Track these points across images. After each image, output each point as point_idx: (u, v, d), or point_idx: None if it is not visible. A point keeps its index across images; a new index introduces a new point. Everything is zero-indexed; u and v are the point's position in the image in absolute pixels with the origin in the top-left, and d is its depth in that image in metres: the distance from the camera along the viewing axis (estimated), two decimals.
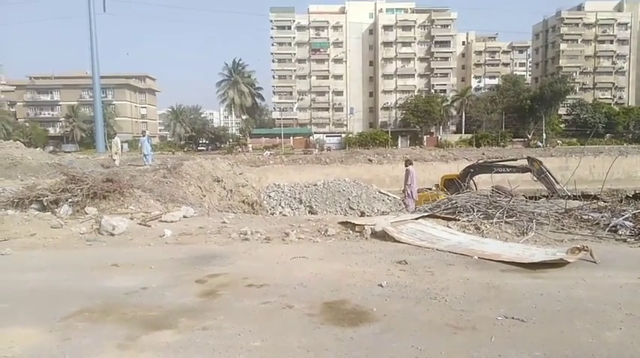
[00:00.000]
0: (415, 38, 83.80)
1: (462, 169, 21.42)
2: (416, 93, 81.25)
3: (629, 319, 3.88)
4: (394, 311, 4.13)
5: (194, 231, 7.83)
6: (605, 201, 10.65)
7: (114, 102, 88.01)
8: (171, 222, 8.49)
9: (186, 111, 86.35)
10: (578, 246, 5.95)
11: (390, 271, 5.41)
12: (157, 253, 6.48)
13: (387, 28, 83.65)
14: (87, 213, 8.79)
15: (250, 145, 70.31)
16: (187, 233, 7.73)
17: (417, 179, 15.90)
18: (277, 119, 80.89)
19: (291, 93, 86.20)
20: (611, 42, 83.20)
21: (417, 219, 8.26)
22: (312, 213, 15.74)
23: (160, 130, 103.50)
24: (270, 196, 19.68)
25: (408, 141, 74.72)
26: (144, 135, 24.40)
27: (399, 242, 6.89)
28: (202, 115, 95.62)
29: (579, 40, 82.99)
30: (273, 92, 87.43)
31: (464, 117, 76.16)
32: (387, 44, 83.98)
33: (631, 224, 7.62)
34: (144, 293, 4.77)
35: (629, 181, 37.04)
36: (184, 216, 8.98)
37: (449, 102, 76.80)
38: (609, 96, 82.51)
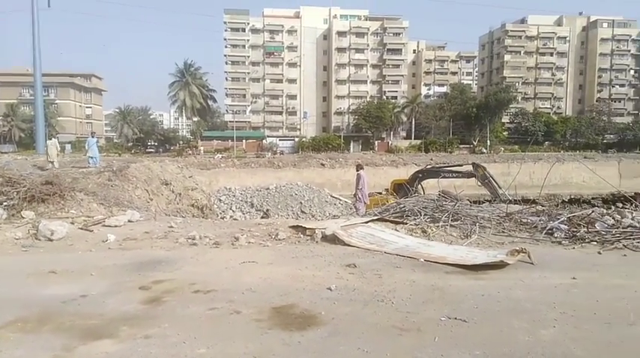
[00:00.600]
0: (368, 45, 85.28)
1: (411, 174, 21.99)
2: (368, 99, 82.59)
3: (562, 317, 4.09)
4: (342, 315, 4.16)
5: (139, 236, 7.58)
6: (542, 206, 11.24)
7: (57, 102, 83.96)
8: (116, 226, 8.18)
9: (134, 111, 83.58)
10: (517, 248, 6.23)
11: (340, 274, 5.46)
12: (99, 259, 6.22)
13: (340, 34, 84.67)
14: (23, 218, 8.33)
15: (201, 148, 68.93)
16: (132, 238, 7.47)
17: (368, 183, 16.15)
18: (230, 122, 79.83)
19: (244, 95, 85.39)
20: (551, 54, 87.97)
21: (366, 222, 8.38)
22: (264, 217, 15.63)
23: (107, 131, 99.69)
24: (220, 200, 19.38)
25: (360, 146, 75.76)
26: (92, 136, 23.41)
27: (349, 245, 6.96)
28: (151, 116, 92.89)
29: (522, 52, 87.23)
30: (226, 94, 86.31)
31: (414, 123, 78.17)
32: (340, 50, 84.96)
33: (566, 227, 8.06)
34: (83, 301, 4.56)
35: (565, 186, 39.27)
36: (129, 221, 8.68)
37: (400, 109, 78.58)
38: (549, 106, 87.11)
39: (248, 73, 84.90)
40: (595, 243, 7.32)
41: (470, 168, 20.40)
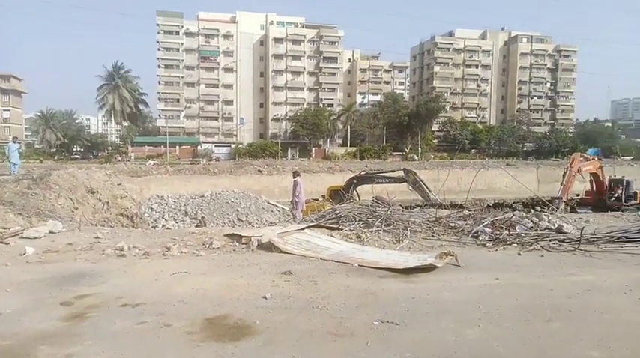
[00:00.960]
0: (305, 52, 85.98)
1: (346, 180, 22.38)
2: (305, 106, 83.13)
3: (486, 317, 4.32)
4: (277, 323, 4.14)
5: (62, 248, 7.13)
6: (469, 210, 11.82)
7: None
8: (35, 238, 7.65)
9: (58, 115, 78.55)
10: (446, 251, 6.51)
11: (275, 282, 5.43)
12: (16, 274, 5.77)
13: (277, 40, 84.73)
14: None
15: (132, 154, 66.11)
16: (53, 250, 7.01)
17: (305, 190, 16.22)
18: (162, 127, 77.18)
19: (178, 100, 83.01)
20: (477, 67, 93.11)
21: (302, 229, 8.41)
22: (199, 226, 15.21)
23: (27, 136, 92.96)
24: (152, 208, 18.63)
25: (298, 153, 76.02)
26: (14, 142, 21.79)
27: (284, 252, 6.95)
28: (77, 121, 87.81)
29: (450, 64, 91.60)
30: (159, 99, 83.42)
31: (349, 130, 79.64)
32: (277, 56, 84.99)
33: (489, 230, 8.55)
34: None
35: (490, 192, 41.52)
36: (51, 232, 8.14)
37: (336, 116, 79.79)
38: (474, 116, 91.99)
39: (182, 77, 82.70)
40: (516, 244, 7.81)
41: (401, 173, 21.08)
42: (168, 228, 14.83)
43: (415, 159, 64.49)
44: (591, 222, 10.34)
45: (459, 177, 38.23)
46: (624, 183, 25.62)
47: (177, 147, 72.58)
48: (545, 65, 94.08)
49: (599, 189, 25.81)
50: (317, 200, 21.05)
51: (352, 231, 8.52)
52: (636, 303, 4.86)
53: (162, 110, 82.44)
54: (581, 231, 8.05)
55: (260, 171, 45.70)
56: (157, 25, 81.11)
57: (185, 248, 7.20)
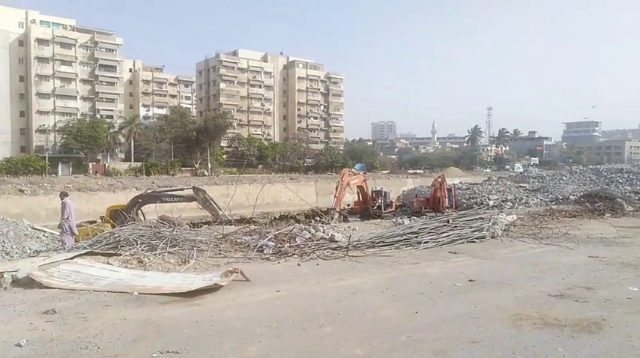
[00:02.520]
0: (77, 58, 77.16)
1: (130, 199, 20.74)
2: (79, 117, 74.53)
3: (267, 331, 4.49)
4: None
5: None
6: (258, 224, 12.25)
7: None
8: None
9: None
10: (231, 268, 6.58)
11: (34, 325, 4.65)
12: None
13: (41, 42, 74.00)
14: None
15: None
16: None
17: (76, 211, 14.44)
18: None
19: None
20: (260, 87, 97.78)
21: (72, 258, 7.46)
22: None
23: None
24: None
25: (71, 169, 67.40)
26: None
27: (49, 287, 6.03)
28: None
29: (235, 82, 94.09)
30: None
31: (133, 145, 74.47)
32: (42, 60, 74.16)
33: (273, 244, 8.99)
34: None
35: (276, 205, 43.81)
36: None
37: (116, 129, 73.69)
38: (260, 133, 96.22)
39: None
40: (296, 255, 8.38)
41: (191, 191, 20.60)
42: None
43: (205, 175, 63.93)
44: (357, 229, 11.81)
45: (247, 191, 39.34)
46: (383, 194, 30.05)
47: None
48: (319, 89, 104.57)
49: (364, 199, 29.64)
50: (94, 222, 18.94)
51: (133, 255, 7.92)
52: (391, 300, 5.70)
53: None
54: (349, 239, 9.10)
55: (22, 190, 38.87)
56: None
57: None
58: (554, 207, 18.79)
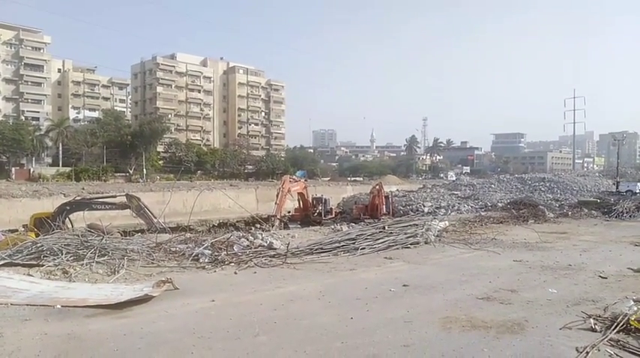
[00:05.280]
0: None
1: (57, 206, 19.52)
2: (1, 119, 69.44)
3: (199, 342, 4.37)
4: None
5: None
6: (197, 231, 11.93)
7: None
8: None
9: None
10: (163, 278, 6.36)
11: None
12: None
13: None
14: None
15: None
16: None
17: None
18: None
19: None
20: (199, 91, 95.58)
21: None
22: None
23: None
24: None
25: None
26: None
27: None
28: None
29: (173, 86, 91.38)
30: None
31: (61, 148, 70.27)
32: None
33: (209, 252, 8.78)
34: None
35: (215, 212, 42.85)
36: None
37: (43, 132, 69.25)
38: (199, 138, 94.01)
39: None
40: (233, 264, 8.24)
41: (124, 199, 19.73)
42: None
43: (140, 181, 61.46)
44: (297, 236, 11.82)
45: (185, 198, 38.19)
46: (323, 201, 30.29)
47: None
48: (260, 96, 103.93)
49: (305, 206, 29.69)
50: (16, 231, 17.65)
51: (57, 266, 7.47)
52: (327, 307, 5.74)
53: None
54: (288, 246, 9.08)
55: None
56: None
57: None
58: (483, 213, 19.77)
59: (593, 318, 5.07)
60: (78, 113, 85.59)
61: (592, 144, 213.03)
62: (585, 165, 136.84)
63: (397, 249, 10.14)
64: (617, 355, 4.13)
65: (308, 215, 28.94)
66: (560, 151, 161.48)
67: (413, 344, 4.40)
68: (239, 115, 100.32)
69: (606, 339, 4.44)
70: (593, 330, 4.79)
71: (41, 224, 17.61)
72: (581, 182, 32.36)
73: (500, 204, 25.06)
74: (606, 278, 7.56)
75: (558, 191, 29.59)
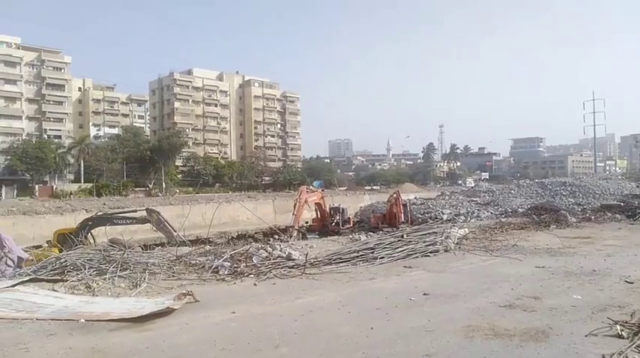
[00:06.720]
0: (22, 76, 74.17)
1: (79, 222, 19.88)
2: (25, 138, 71.34)
3: (221, 354, 4.40)
4: None
5: None
6: (217, 244, 12.01)
7: None
8: None
9: None
10: (184, 291, 6.42)
11: None
12: None
13: None
14: None
15: None
16: None
17: (21, 236, 13.73)
18: None
19: None
20: (216, 105, 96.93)
21: (13, 285, 7.07)
22: None
23: None
24: None
25: (16, 191, 64.10)
26: None
27: None
28: None
29: (190, 101, 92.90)
30: None
31: (83, 165, 71.76)
32: None
33: (229, 264, 8.83)
34: None
35: (234, 224, 43.11)
36: None
37: (65, 150, 70.88)
38: (217, 151, 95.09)
39: None
40: (252, 275, 8.27)
41: (144, 213, 20.01)
42: None
43: (159, 195, 62.27)
44: (315, 246, 11.81)
45: (204, 211, 38.48)
46: (340, 211, 30.29)
47: None
48: (275, 108, 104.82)
49: (322, 216, 29.74)
50: (40, 247, 18.02)
51: (81, 280, 7.59)
52: (347, 317, 5.72)
53: None
54: (306, 257, 9.09)
55: None
56: None
57: None
58: (503, 219, 19.48)
59: (620, 324, 4.95)
60: (98, 130, 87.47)
61: (614, 146, 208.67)
62: (607, 168, 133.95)
63: (416, 257, 10.05)
64: None
65: (326, 225, 28.95)
66: (581, 155, 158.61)
67: (435, 353, 4.35)
68: (255, 128, 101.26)
69: (634, 346, 4.33)
70: (620, 337, 4.68)
71: (64, 239, 17.94)
72: (604, 185, 31.67)
73: (520, 210, 24.68)
74: (632, 283, 7.37)
75: (580, 195, 29.01)
